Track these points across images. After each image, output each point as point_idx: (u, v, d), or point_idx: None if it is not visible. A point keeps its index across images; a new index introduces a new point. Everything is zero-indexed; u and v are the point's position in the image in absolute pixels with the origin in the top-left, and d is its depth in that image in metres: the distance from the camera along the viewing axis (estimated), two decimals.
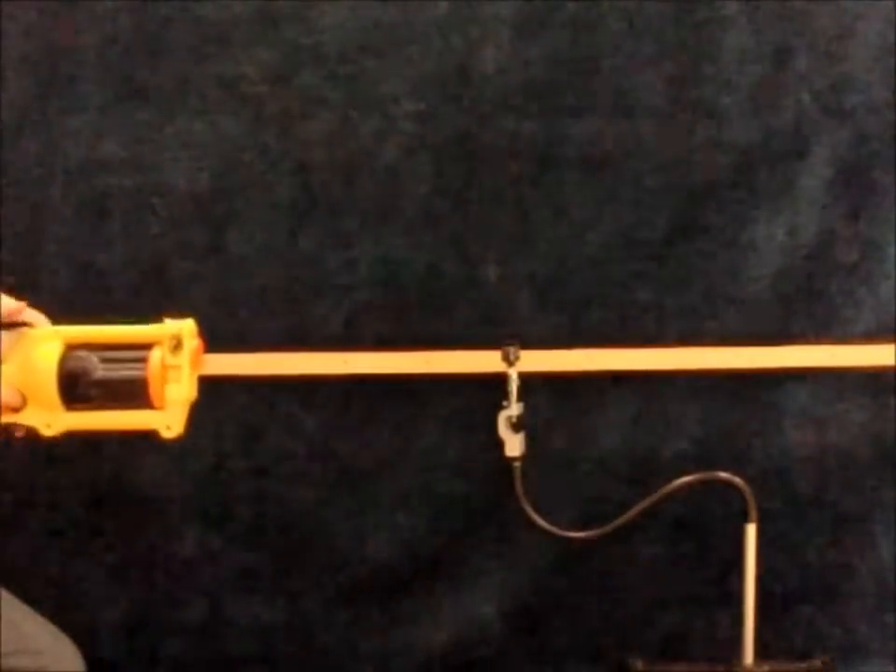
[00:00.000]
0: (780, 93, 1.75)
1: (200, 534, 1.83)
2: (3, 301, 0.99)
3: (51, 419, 0.95)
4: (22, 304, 1.01)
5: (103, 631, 1.84)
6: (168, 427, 0.95)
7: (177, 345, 0.94)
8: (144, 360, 0.94)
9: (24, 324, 0.98)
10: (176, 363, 0.94)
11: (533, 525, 1.79)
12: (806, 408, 1.82)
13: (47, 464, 1.78)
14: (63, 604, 1.75)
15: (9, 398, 0.94)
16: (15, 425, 0.96)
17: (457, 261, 1.79)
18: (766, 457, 1.83)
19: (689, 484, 1.77)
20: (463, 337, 1.78)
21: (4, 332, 0.96)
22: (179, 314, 1.00)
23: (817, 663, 1.82)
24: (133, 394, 0.93)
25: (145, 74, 1.75)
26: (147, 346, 0.95)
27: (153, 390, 0.93)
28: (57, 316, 1.01)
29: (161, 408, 0.94)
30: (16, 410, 0.94)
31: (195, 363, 0.96)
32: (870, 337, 1.79)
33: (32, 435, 0.97)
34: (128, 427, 0.96)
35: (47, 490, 1.81)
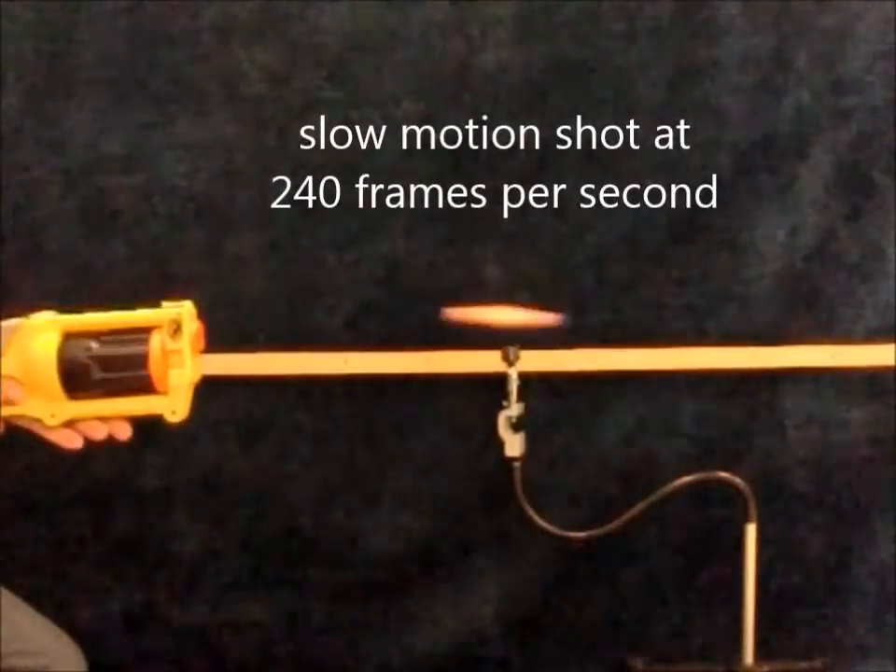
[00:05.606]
0: (780, 93, 1.76)
1: (200, 534, 1.84)
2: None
3: (55, 409, 0.93)
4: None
5: (103, 631, 1.84)
6: (173, 412, 0.94)
7: (177, 329, 0.93)
8: (144, 345, 0.93)
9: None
10: (177, 347, 0.93)
11: (533, 525, 1.79)
12: (806, 408, 1.82)
13: (47, 464, 1.78)
14: (63, 604, 1.76)
15: (10, 390, 0.93)
16: (18, 418, 0.95)
17: (457, 261, 1.79)
18: (766, 457, 1.83)
19: (689, 484, 1.77)
20: (463, 337, 1.78)
21: (1, 324, 0.95)
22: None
23: (817, 663, 1.83)
24: (136, 379, 0.92)
25: (144, 74, 1.75)
26: (147, 331, 0.93)
27: (155, 375, 0.92)
28: None
29: (164, 393, 0.93)
30: (17, 402, 0.94)
31: (196, 346, 0.95)
32: (870, 337, 1.79)
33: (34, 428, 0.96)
34: (132, 413, 0.94)
35: (47, 490, 1.81)
